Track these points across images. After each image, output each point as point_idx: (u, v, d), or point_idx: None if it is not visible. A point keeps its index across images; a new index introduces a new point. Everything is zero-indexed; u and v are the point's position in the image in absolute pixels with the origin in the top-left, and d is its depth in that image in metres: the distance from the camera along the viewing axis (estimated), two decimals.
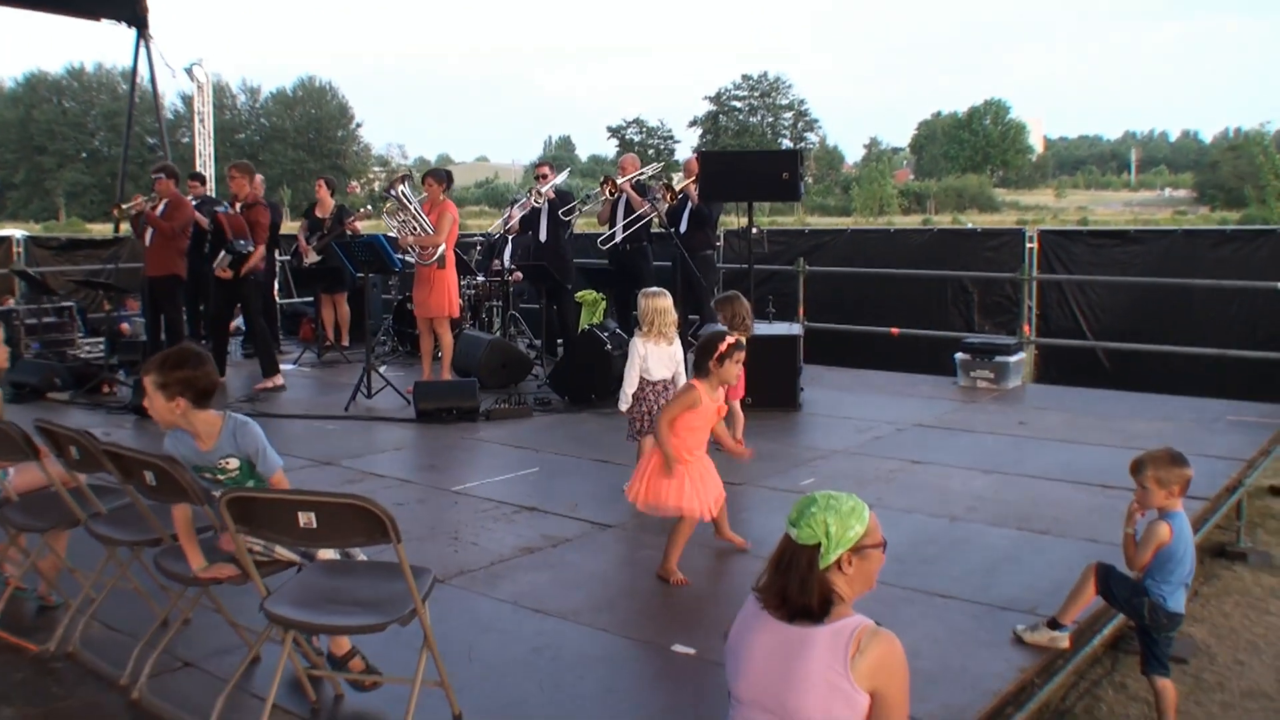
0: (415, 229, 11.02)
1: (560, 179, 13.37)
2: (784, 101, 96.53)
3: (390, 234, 11.74)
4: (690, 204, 11.87)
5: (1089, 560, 5.27)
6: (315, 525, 3.59)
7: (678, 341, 7.48)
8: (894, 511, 7.10)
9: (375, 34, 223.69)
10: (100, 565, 5.00)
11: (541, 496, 7.50)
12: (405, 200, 10.99)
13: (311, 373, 13.18)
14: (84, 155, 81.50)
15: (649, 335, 7.31)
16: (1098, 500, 7.39)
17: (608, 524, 6.89)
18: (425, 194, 11.35)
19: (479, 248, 14.95)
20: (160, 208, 11.59)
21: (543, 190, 12.79)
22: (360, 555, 4.35)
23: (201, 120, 25.53)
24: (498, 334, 13.31)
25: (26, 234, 18.52)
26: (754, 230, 10.84)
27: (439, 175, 11.35)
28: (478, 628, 5.18)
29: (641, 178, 12.68)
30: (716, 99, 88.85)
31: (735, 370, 5.90)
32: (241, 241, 11.24)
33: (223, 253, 11.22)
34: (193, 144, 24.95)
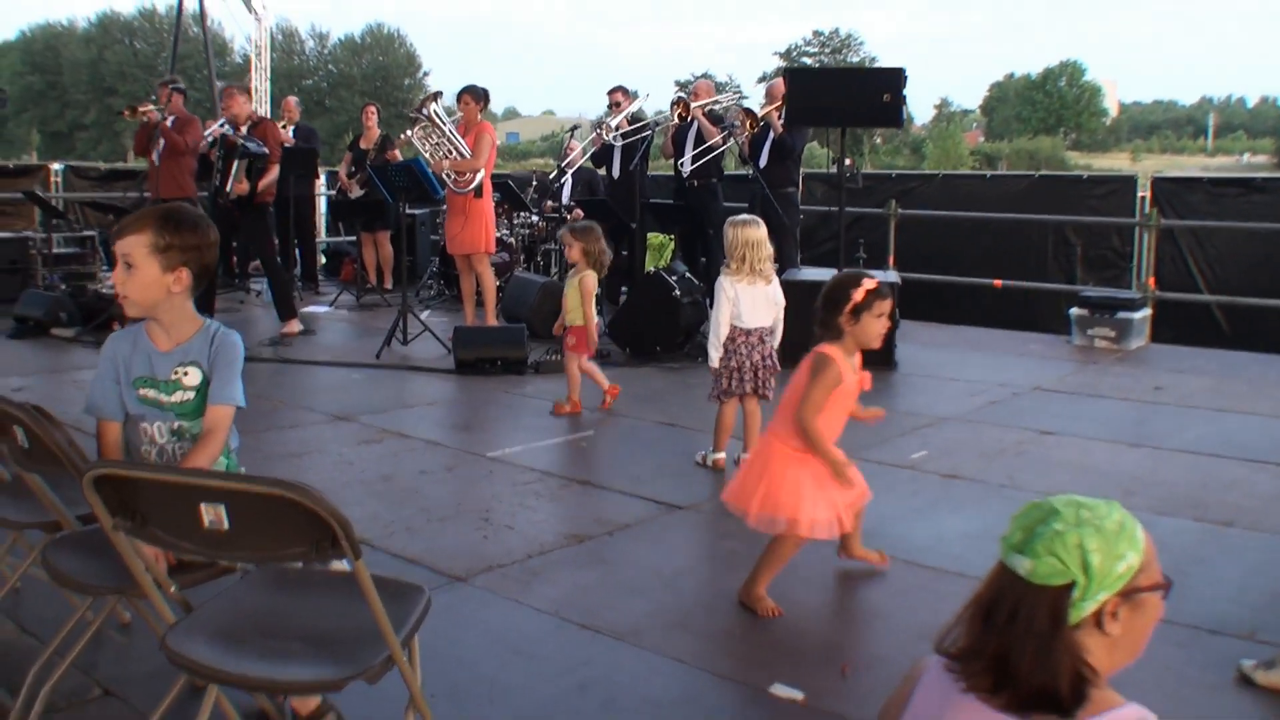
0: (450, 153, 9.70)
1: (635, 106, 11.93)
2: (855, 59, 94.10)
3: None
4: (773, 134, 10.46)
5: None
6: (226, 526, 2.25)
7: (776, 280, 6.12)
8: (1032, 494, 5.68)
9: None
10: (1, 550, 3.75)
11: (596, 467, 6.19)
12: (439, 120, 9.67)
13: (348, 316, 11.95)
14: (153, 98, 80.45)
15: (740, 273, 5.96)
16: None
17: (678, 504, 5.54)
18: (460, 113, 10.01)
19: (534, 185, 13.60)
20: (169, 121, 10.36)
21: (613, 123, 11.39)
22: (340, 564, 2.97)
23: (258, 54, 24.38)
24: (554, 276, 11.99)
25: (65, 165, 17.45)
26: (847, 161, 9.40)
27: (476, 92, 9.96)
28: (505, 649, 3.86)
29: (717, 106, 11.28)
30: (786, 54, 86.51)
31: (879, 327, 4.24)
32: (256, 143, 9.99)
33: (235, 163, 9.94)
34: (249, 80, 23.82)
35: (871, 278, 4.28)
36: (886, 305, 4.25)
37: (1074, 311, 10.45)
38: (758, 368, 6.05)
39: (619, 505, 5.49)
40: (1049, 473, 6.17)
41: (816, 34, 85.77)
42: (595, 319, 7.60)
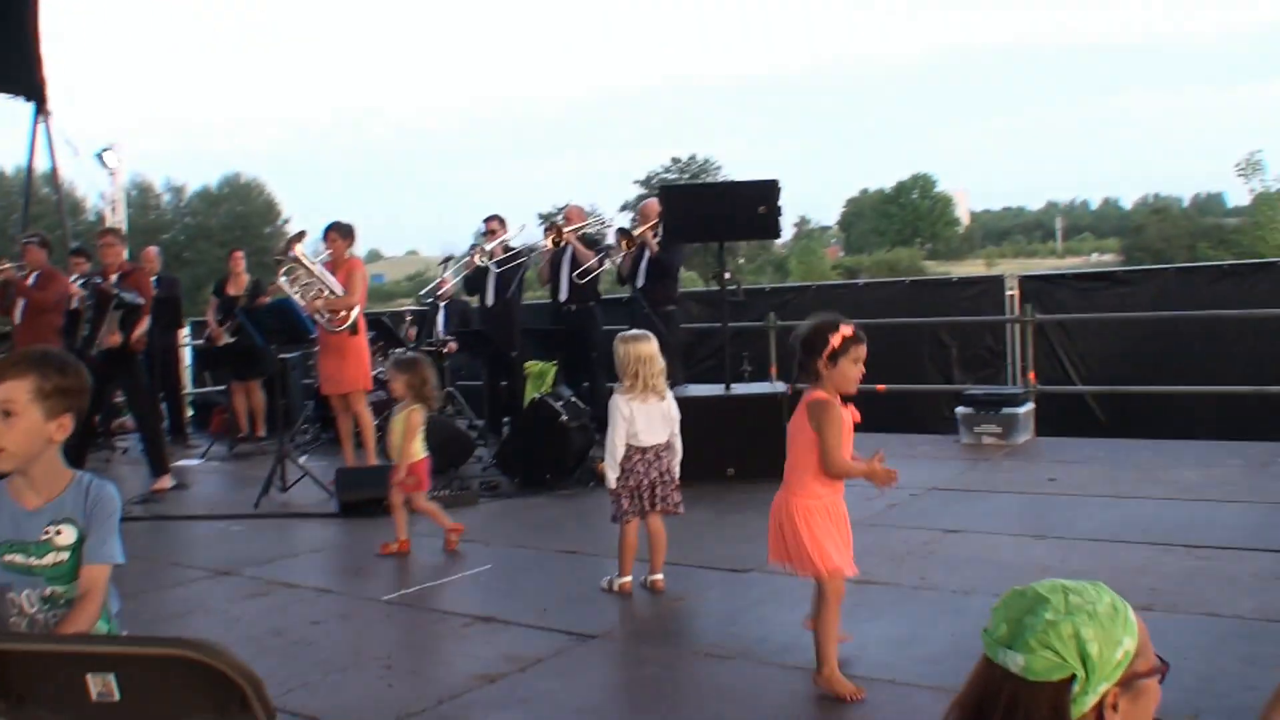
0: (321, 291, 9.46)
1: (513, 235, 11.83)
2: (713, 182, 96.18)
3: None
4: (648, 253, 10.43)
5: (1220, 641, 3.82)
6: (118, 696, 1.97)
7: (670, 396, 5.97)
8: (949, 594, 5.66)
9: (299, 130, 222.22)
10: None
11: (499, 601, 5.87)
12: (305, 261, 9.45)
13: (221, 467, 11.49)
14: (15, 253, 78.02)
15: (634, 390, 5.80)
16: (1190, 564, 6.03)
17: (589, 633, 5.27)
18: (328, 252, 9.79)
19: (409, 320, 13.36)
20: (31, 278, 9.94)
21: (488, 248, 11.27)
22: None
23: (113, 209, 23.84)
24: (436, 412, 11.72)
25: None
26: (728, 274, 9.36)
27: (342, 229, 9.76)
28: None
29: (589, 229, 11.24)
30: (646, 182, 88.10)
31: (855, 373, 4.33)
32: (131, 293, 9.60)
33: (109, 314, 9.52)
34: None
35: (848, 323, 4.33)
36: (862, 351, 4.33)
37: (960, 410, 10.51)
38: (656, 484, 5.87)
39: (528, 639, 5.20)
40: (960, 570, 6.07)
41: (675, 160, 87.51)
42: (424, 454, 7.30)
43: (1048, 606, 1.71)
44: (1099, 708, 1.67)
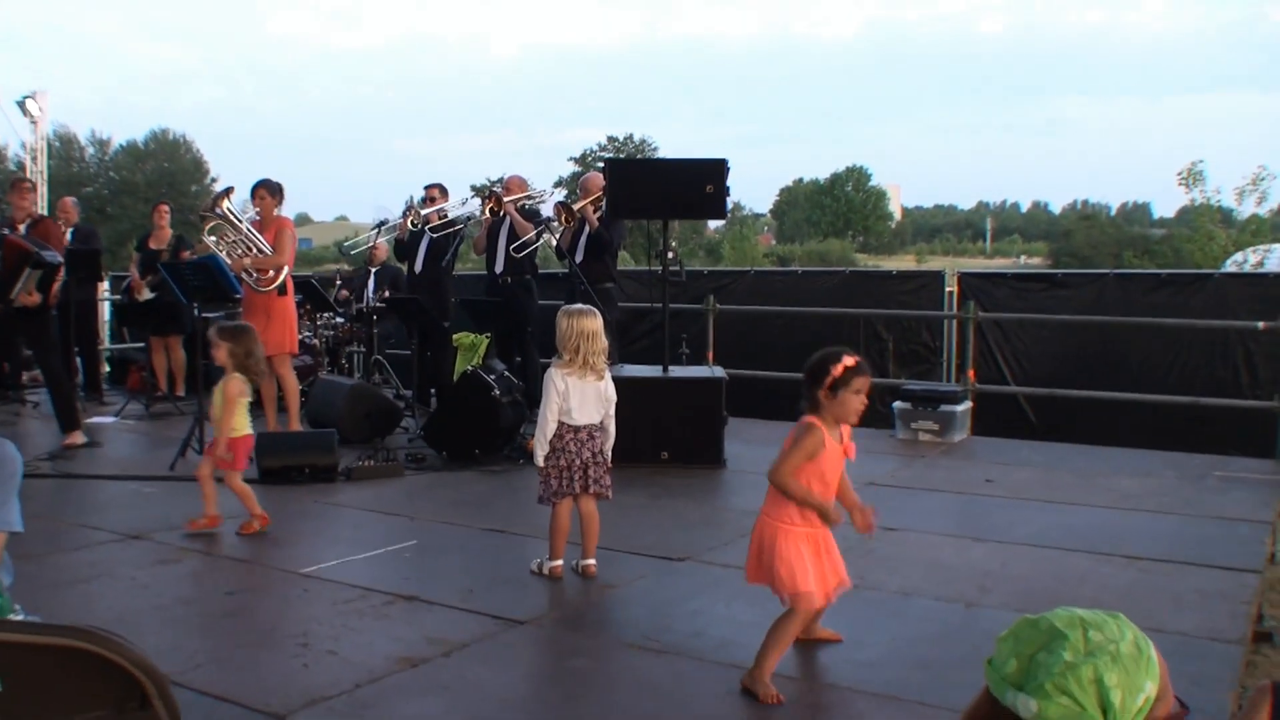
0: (248, 250, 9.10)
1: (452, 205, 11.50)
2: None
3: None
4: (588, 229, 10.17)
5: (1166, 658, 3.66)
6: None
7: (609, 376, 5.75)
8: (888, 595, 5.50)
9: (231, 87, 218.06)
10: None
11: (422, 580, 5.61)
12: (233, 217, 9.09)
13: (137, 426, 11.05)
14: None
15: (572, 365, 5.57)
16: (1131, 576, 5.93)
17: (516, 619, 5.03)
18: (256, 210, 9.43)
19: (338, 283, 13.00)
20: None
21: (424, 212, 10.95)
22: None
23: (33, 157, 23.05)
24: (360, 378, 11.40)
25: None
26: (670, 253, 9.14)
27: (271, 186, 9.38)
28: None
29: (529, 201, 10.96)
30: (581, 159, 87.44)
31: (857, 404, 4.31)
32: (51, 252, 9.16)
33: (26, 270, 9.07)
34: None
35: (851, 355, 4.32)
36: (865, 382, 4.32)
37: (897, 405, 10.40)
38: (588, 465, 5.64)
39: (453, 622, 4.95)
40: (901, 570, 5.91)
41: (611, 139, 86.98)
42: (247, 430, 6.84)
43: (1065, 644, 1.52)
44: None
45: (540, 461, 5.64)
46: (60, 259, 9.30)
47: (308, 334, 11.42)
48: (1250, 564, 6.14)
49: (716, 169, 8.71)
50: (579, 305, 5.84)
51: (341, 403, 9.66)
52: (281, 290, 9.15)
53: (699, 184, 8.68)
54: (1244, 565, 6.09)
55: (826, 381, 4.24)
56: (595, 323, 5.66)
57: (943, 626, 5.07)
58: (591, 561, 5.76)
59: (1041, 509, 7.49)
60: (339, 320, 11.89)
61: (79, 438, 9.50)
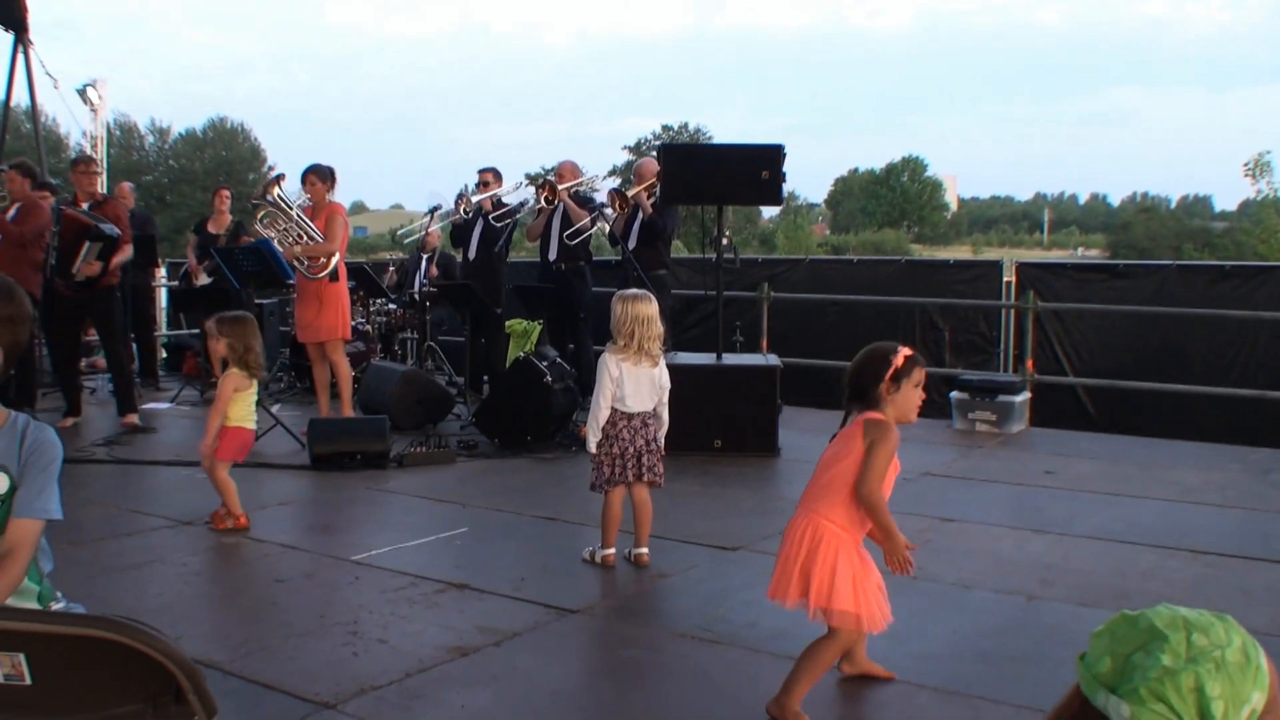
0: (300, 237, 9.08)
1: (506, 191, 11.44)
2: None
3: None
4: (641, 215, 10.09)
5: None
6: (29, 680, 1.64)
7: (663, 363, 5.65)
8: (947, 587, 5.37)
9: (288, 76, 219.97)
10: None
11: (474, 568, 5.56)
12: (285, 204, 9.06)
13: (191, 412, 11.08)
14: None
15: (626, 351, 5.48)
16: (1196, 570, 5.77)
17: (568, 608, 4.97)
18: (307, 196, 9.40)
19: (391, 270, 13.00)
20: (12, 211, 9.48)
21: (475, 199, 10.89)
22: None
23: (93, 145, 23.28)
24: (412, 365, 11.37)
25: None
26: (724, 239, 9.04)
27: (321, 172, 9.32)
28: None
29: (581, 187, 10.88)
30: (636, 148, 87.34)
31: (917, 397, 3.93)
32: (109, 224, 9.19)
33: (86, 244, 9.10)
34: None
35: (905, 347, 3.95)
36: (923, 375, 3.95)
37: (954, 395, 10.23)
38: (641, 453, 5.55)
39: (504, 611, 4.90)
40: (959, 562, 5.79)
41: (665, 128, 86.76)
42: (247, 425, 6.64)
43: (1165, 647, 1.39)
44: None
45: (593, 448, 5.56)
46: (117, 231, 9.33)
47: (360, 320, 11.41)
48: None
49: (773, 155, 8.60)
50: (635, 290, 5.75)
51: (393, 389, 9.64)
52: (333, 276, 9.12)
53: (754, 170, 8.58)
54: None
55: (888, 374, 3.86)
56: (651, 308, 5.56)
57: (1003, 620, 4.95)
58: (644, 550, 5.68)
59: (1102, 502, 7.32)
60: (391, 307, 11.87)
61: (135, 419, 9.55)
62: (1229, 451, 9.19)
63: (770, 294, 11.83)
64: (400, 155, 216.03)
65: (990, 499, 7.38)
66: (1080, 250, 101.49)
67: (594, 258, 11.47)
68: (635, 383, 5.52)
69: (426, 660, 4.26)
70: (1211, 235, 65.61)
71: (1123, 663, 1.40)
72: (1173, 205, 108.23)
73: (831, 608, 3.78)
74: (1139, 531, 6.47)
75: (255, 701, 3.74)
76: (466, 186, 11.43)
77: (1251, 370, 10.77)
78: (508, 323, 11.58)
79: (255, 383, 6.64)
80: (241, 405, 6.56)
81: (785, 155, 8.57)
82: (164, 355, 14.25)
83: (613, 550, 5.65)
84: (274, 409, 9.63)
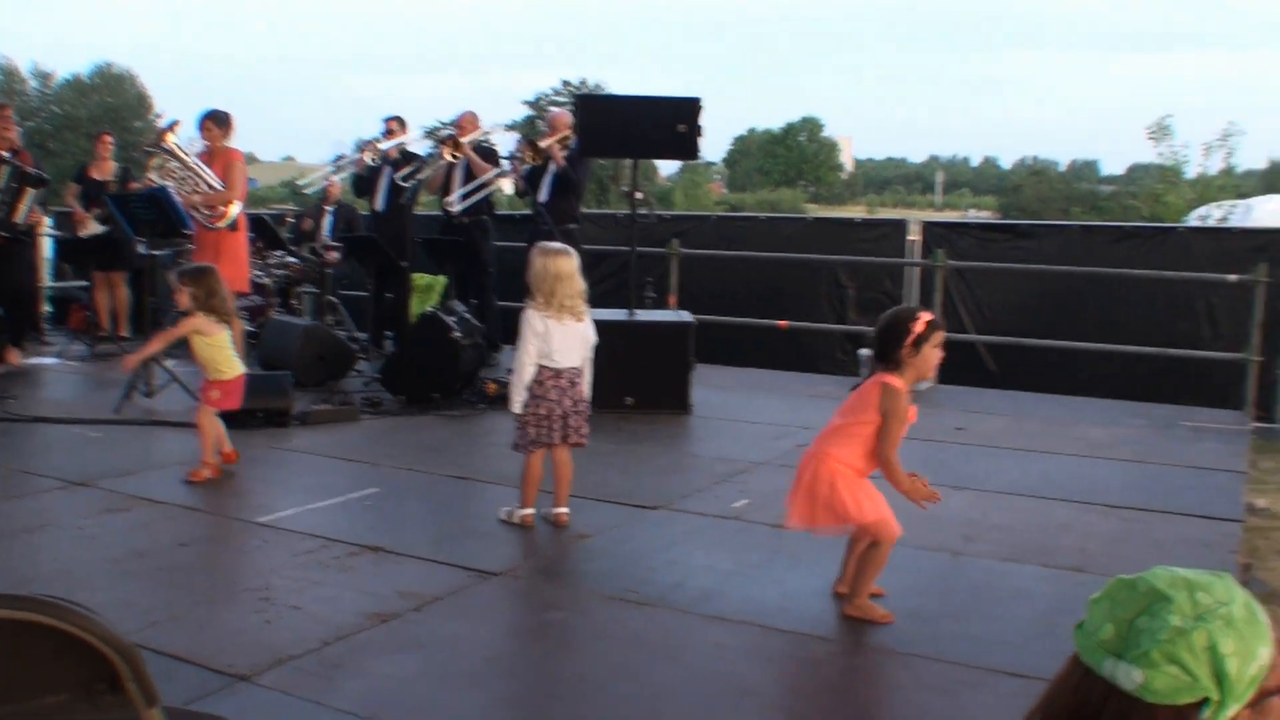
0: (197, 185, 8.72)
1: (412, 140, 11.12)
2: None
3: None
4: (554, 166, 9.88)
5: None
6: None
7: (589, 318, 5.50)
8: None
9: (175, 22, 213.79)
10: None
11: (388, 530, 5.36)
12: (180, 152, 8.69)
13: (80, 368, 10.65)
14: None
15: (549, 308, 5.30)
16: (1114, 525, 5.83)
17: (490, 570, 4.80)
18: (204, 143, 9.03)
19: (289, 222, 12.60)
20: None
21: (382, 147, 10.56)
22: None
23: None
24: (312, 320, 11.06)
25: None
26: (638, 195, 8.88)
27: (219, 118, 8.96)
28: None
29: (484, 139, 10.62)
30: (534, 103, 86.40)
31: (936, 358, 4.34)
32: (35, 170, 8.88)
33: (28, 192, 8.73)
34: None
35: (926, 310, 4.36)
36: (942, 337, 4.31)
37: (863, 352, 10.22)
38: (569, 414, 5.39)
39: (423, 574, 4.71)
40: None
41: (566, 84, 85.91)
42: (238, 371, 6.55)
43: (1170, 608, 1.31)
44: None
45: (518, 409, 5.36)
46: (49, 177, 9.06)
47: (259, 273, 11.04)
48: (1230, 513, 6.05)
49: (689, 108, 8.43)
50: (555, 244, 5.58)
51: (294, 344, 9.33)
52: (233, 226, 8.80)
53: (670, 123, 8.40)
54: (1225, 515, 6.00)
55: (909, 339, 4.21)
56: (570, 264, 5.39)
57: (931, 577, 4.93)
58: (564, 510, 5.53)
59: (1015, 457, 7.37)
60: (291, 259, 11.51)
61: (17, 357, 9.25)
62: (1131, 407, 9.34)
63: (680, 250, 11.71)
64: (291, 106, 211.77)
65: (905, 456, 7.25)
66: (972, 212, 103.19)
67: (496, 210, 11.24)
68: (563, 337, 5.35)
69: (345, 627, 4.06)
70: (1099, 198, 66.95)
71: (1127, 628, 1.33)
72: (1062, 169, 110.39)
73: (876, 519, 4.31)
74: (1053, 487, 6.52)
75: (165, 675, 3.52)
76: (363, 139, 11.09)
77: (1150, 328, 10.94)
78: (412, 277, 11.31)
79: (227, 329, 6.49)
80: (222, 354, 6.45)
81: (702, 108, 8.41)
82: (49, 309, 13.70)
83: (531, 510, 5.48)
84: (169, 363, 9.28)
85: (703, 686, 3.72)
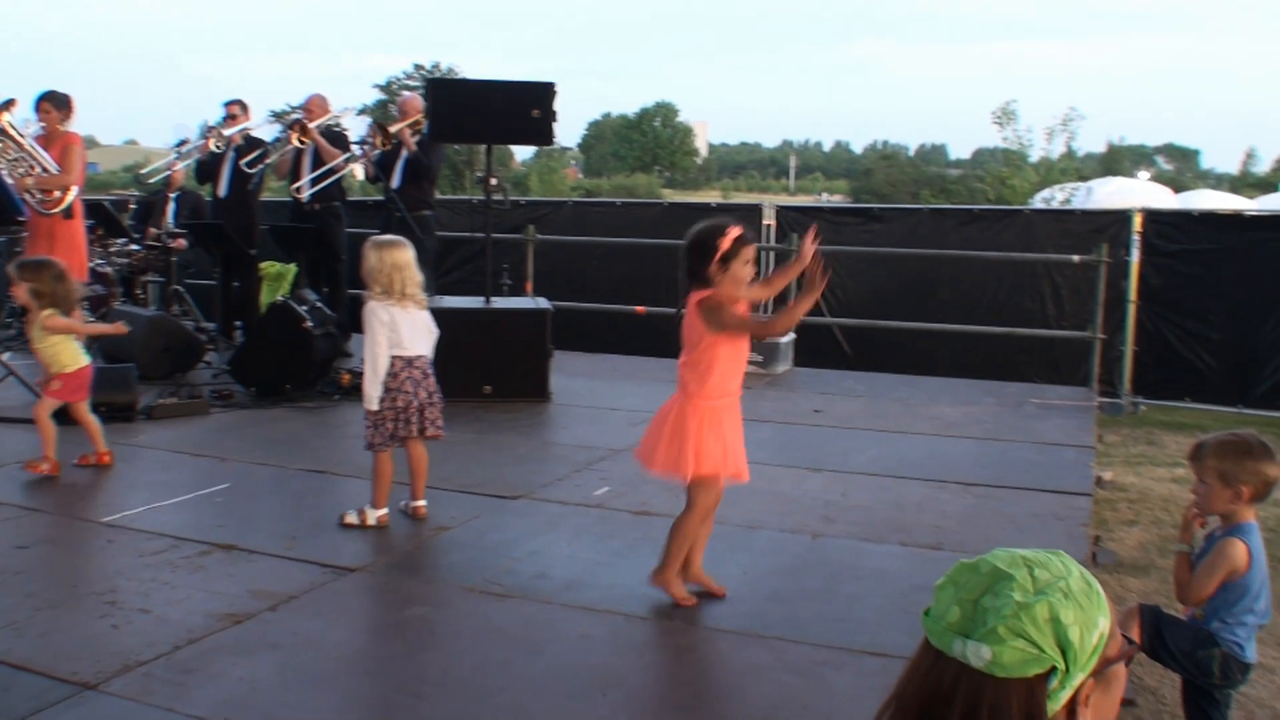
0: (33, 168, 8.36)
1: (255, 125, 10.80)
2: None
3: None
4: (406, 152, 9.70)
5: None
6: None
7: (427, 308, 5.41)
8: (733, 528, 5.31)
9: (13, 2, 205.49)
10: None
11: (239, 527, 5.20)
12: (15, 132, 8.31)
13: None
14: None
15: (391, 297, 5.19)
16: (968, 502, 6.01)
17: (347, 566, 4.69)
18: (40, 124, 8.66)
19: (132, 208, 12.17)
20: None
21: (227, 133, 10.24)
22: None
23: None
24: (157, 310, 10.70)
25: None
26: (493, 180, 8.77)
27: (56, 99, 8.58)
28: None
29: (333, 123, 10.39)
30: (386, 88, 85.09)
31: (747, 274, 4.17)
32: None
33: None
34: None
35: (735, 224, 4.16)
36: (752, 251, 4.16)
37: None
38: (424, 406, 5.28)
39: (277, 572, 4.57)
40: (741, 502, 5.71)
41: (418, 68, 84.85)
42: (82, 362, 6.30)
43: (1012, 584, 1.37)
44: (1071, 704, 1.38)
45: (375, 405, 5.21)
46: None
47: (100, 261, 10.63)
48: (1080, 487, 6.26)
49: (544, 93, 8.35)
50: (388, 237, 5.47)
51: (139, 336, 9.00)
52: (68, 213, 8.44)
53: (525, 108, 8.32)
54: (1075, 489, 6.19)
55: (715, 255, 4.07)
56: (407, 254, 5.29)
57: (792, 558, 4.97)
58: (422, 502, 5.44)
59: (872, 438, 7.50)
60: (134, 247, 11.12)
61: None
62: (982, 386, 9.61)
63: (536, 236, 11.63)
64: (133, 88, 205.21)
65: (765, 439, 7.39)
66: (825, 195, 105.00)
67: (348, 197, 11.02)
68: (411, 325, 5.26)
69: (197, 630, 3.91)
70: (947, 182, 68.68)
71: (972, 608, 1.38)
72: (911, 153, 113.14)
73: (698, 474, 4.18)
74: (909, 466, 6.65)
75: (4, 684, 3.36)
76: (207, 121, 10.75)
77: (998, 308, 11.25)
78: (261, 265, 11.03)
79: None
80: (66, 348, 6.20)
81: (556, 93, 8.35)
82: None
83: (386, 510, 5.34)
84: (4, 356, 8.89)
85: (568, 678, 3.69)
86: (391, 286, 5.20)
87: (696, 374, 4.22)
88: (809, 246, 4.25)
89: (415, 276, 5.31)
